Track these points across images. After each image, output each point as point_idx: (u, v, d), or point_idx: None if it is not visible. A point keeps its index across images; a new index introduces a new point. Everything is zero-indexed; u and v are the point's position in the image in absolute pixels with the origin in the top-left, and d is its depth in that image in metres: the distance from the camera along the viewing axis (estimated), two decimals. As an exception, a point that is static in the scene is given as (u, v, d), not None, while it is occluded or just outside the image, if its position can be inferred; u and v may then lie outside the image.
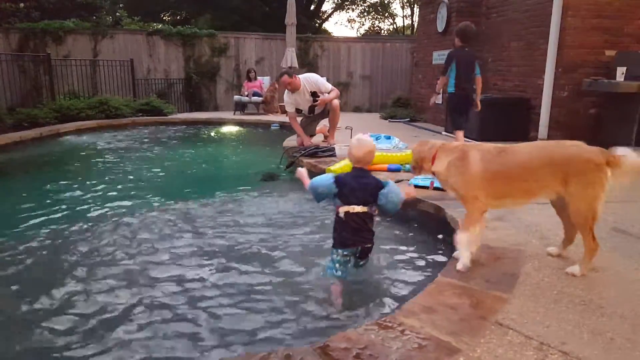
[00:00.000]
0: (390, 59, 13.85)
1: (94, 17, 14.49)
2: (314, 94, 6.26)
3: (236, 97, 12.09)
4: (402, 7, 27.26)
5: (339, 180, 2.58)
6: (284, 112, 11.48)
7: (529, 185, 2.36)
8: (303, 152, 5.59)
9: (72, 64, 11.64)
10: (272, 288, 2.59)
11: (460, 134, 5.34)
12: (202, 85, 13.22)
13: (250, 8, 19.43)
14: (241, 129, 10.18)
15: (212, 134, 9.69)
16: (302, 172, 2.82)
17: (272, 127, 9.93)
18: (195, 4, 20.07)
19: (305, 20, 18.51)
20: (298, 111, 6.51)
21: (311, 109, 6.40)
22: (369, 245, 2.63)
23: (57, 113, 9.56)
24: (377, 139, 6.46)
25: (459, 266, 2.37)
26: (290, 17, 11.66)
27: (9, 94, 10.27)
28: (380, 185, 2.58)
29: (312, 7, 23.19)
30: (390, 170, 4.69)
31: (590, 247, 2.28)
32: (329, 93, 6.27)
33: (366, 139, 2.71)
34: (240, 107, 12.00)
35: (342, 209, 2.55)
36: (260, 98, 11.91)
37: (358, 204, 2.54)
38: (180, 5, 21.23)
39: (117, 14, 17.35)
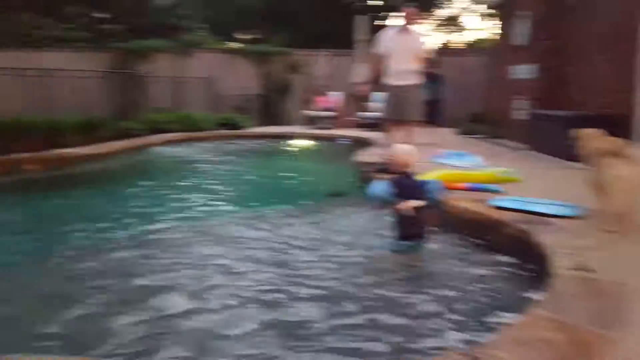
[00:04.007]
0: (463, 73, 13.50)
1: (179, 39, 15.61)
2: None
3: (307, 111, 12.37)
4: (477, 21, 26.53)
5: (394, 183, 3.20)
6: (355, 126, 11.64)
7: None
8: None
9: (159, 80, 12.61)
10: (342, 313, 2.55)
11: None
12: (276, 100, 13.72)
13: (319, 26, 19.95)
14: (311, 142, 10.43)
15: (285, 147, 10.02)
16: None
17: (339, 142, 10.02)
18: (269, 24, 20.99)
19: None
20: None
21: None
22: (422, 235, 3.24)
23: (147, 126, 10.39)
24: (458, 156, 6.28)
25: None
26: (361, 33, 11.80)
27: (108, 107, 11.34)
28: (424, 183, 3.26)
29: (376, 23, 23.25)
30: (469, 189, 4.38)
31: None
32: None
33: (400, 147, 3.47)
34: (312, 121, 12.27)
35: (404, 205, 3.11)
36: (331, 113, 12.09)
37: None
38: (255, 25, 22.27)
39: (199, 35, 18.53)
